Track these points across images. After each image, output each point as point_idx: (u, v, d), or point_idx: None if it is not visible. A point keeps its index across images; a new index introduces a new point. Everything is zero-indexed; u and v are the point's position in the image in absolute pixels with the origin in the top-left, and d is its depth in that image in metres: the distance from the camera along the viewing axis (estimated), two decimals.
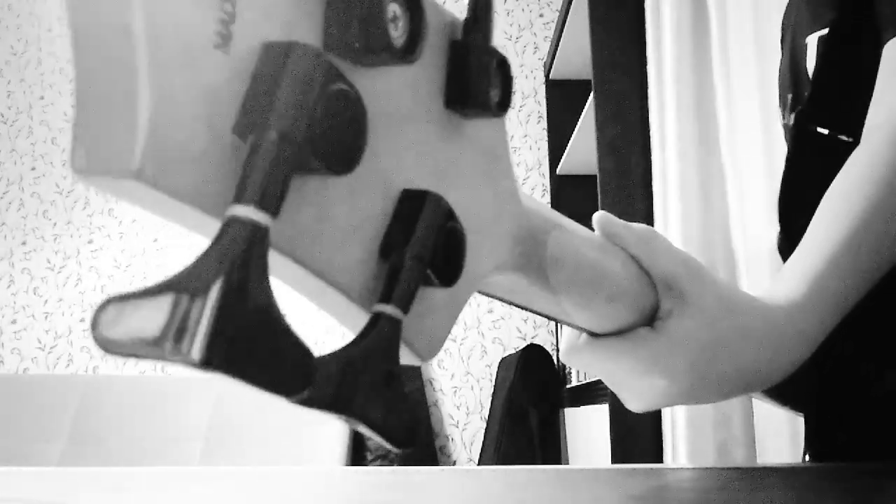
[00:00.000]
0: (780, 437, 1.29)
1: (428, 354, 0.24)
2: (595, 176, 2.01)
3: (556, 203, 2.91)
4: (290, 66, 0.17)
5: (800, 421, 0.70)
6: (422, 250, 0.21)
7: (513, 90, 0.26)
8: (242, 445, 2.54)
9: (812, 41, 0.70)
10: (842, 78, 0.66)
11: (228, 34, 0.18)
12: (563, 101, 2.89)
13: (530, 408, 2.63)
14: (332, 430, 2.55)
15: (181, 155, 0.17)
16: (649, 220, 1.82)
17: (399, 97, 0.22)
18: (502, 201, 0.27)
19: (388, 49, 0.20)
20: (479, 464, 2.69)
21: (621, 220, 0.39)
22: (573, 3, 2.42)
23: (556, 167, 2.86)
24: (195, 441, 2.56)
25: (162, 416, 2.59)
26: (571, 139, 2.56)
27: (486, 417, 2.76)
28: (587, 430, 2.29)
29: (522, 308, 0.35)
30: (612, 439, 1.83)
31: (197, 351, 0.15)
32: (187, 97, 0.17)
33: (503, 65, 0.25)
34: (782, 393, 0.67)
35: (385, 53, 0.20)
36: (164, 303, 0.15)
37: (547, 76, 3.01)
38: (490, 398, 2.78)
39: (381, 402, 0.20)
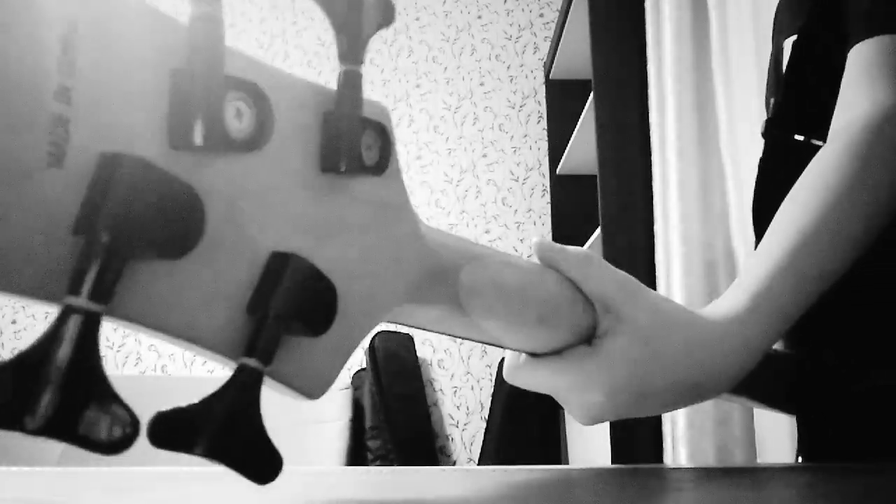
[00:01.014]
0: (780, 437, 1.29)
1: (314, 393, 0.27)
2: (595, 176, 2.01)
3: (556, 203, 2.91)
4: (118, 174, 0.20)
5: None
6: (284, 307, 0.24)
7: (391, 151, 0.29)
8: None
9: (789, 45, 0.69)
10: (810, 83, 0.65)
11: (61, 153, 0.20)
12: (563, 101, 2.89)
13: (530, 408, 2.63)
14: (332, 430, 2.55)
15: (19, 257, 0.20)
16: (649, 219, 1.82)
17: (264, 172, 0.25)
18: (400, 246, 0.30)
19: (230, 144, 0.23)
20: (479, 464, 2.69)
21: (558, 245, 0.40)
22: (573, 3, 2.42)
23: (556, 167, 2.87)
24: None
25: None
26: (571, 139, 2.56)
27: (486, 417, 2.76)
28: (587, 430, 2.29)
29: (449, 335, 0.37)
30: (612, 439, 1.83)
31: (40, 418, 0.19)
32: (22, 209, 0.20)
33: (381, 129, 0.28)
34: (769, 396, 0.67)
35: (229, 148, 0.23)
36: (11, 376, 0.19)
37: (547, 76, 3.01)
38: (490, 398, 2.78)
39: (236, 443, 0.23)
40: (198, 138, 0.23)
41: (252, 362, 0.24)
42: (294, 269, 0.25)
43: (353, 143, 0.27)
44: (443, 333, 0.37)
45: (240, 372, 0.24)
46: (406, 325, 0.35)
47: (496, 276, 0.35)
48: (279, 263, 0.25)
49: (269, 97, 0.25)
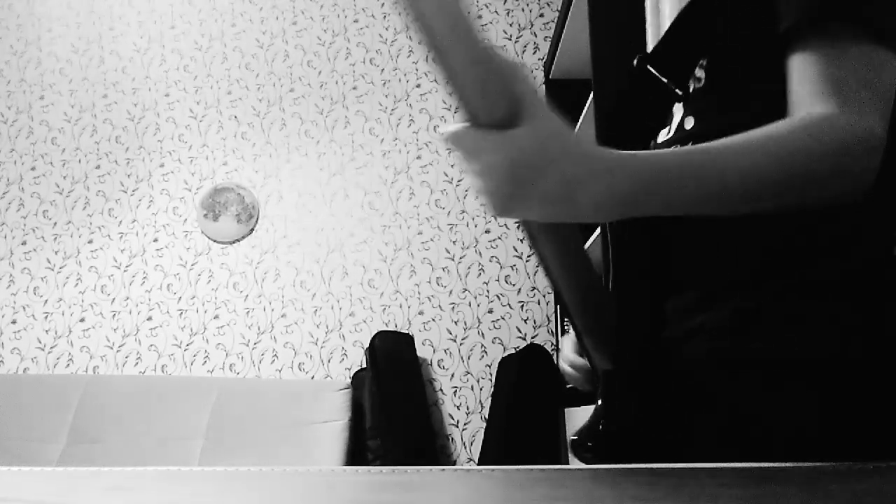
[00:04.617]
0: None
1: None
2: None
3: None
4: None
5: None
6: None
7: None
8: (242, 445, 2.54)
9: None
10: (690, 37, 0.76)
11: None
12: (563, 101, 2.89)
13: (530, 408, 2.63)
14: (332, 430, 2.55)
15: None
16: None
17: None
18: None
19: None
20: (479, 464, 2.69)
21: (518, 66, 0.54)
22: (573, 3, 2.42)
23: None
24: (195, 441, 2.56)
25: (162, 416, 2.60)
26: None
27: (486, 417, 2.76)
28: None
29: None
30: None
31: None
32: None
33: None
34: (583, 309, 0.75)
35: None
36: None
37: (547, 76, 3.01)
38: (490, 398, 2.78)
39: None
40: None
41: None
42: None
43: None
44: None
45: None
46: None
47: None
48: None
49: None
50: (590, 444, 0.69)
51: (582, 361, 0.87)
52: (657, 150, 0.55)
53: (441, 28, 0.50)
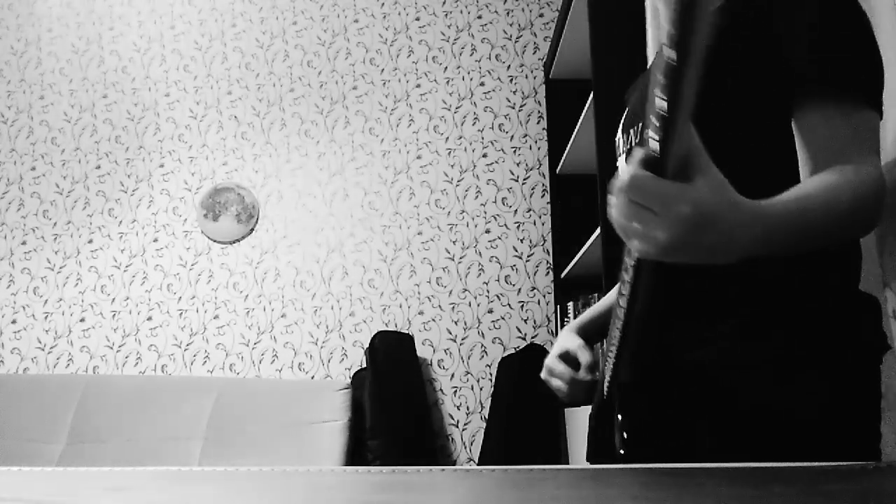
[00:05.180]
0: None
1: None
2: (595, 176, 2.01)
3: (556, 203, 2.91)
4: None
5: None
6: None
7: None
8: (242, 445, 2.54)
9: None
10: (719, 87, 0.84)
11: None
12: (563, 101, 2.89)
13: (530, 408, 2.63)
14: (331, 430, 2.55)
15: None
16: None
17: None
18: None
19: None
20: (479, 464, 2.69)
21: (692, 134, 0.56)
22: (573, 3, 2.42)
23: (557, 167, 2.87)
24: (195, 441, 2.56)
25: (162, 416, 2.60)
26: (571, 139, 2.56)
27: (486, 417, 2.76)
28: (587, 430, 2.29)
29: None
30: None
31: None
32: None
33: None
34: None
35: None
36: None
37: (547, 76, 3.01)
38: (490, 398, 2.78)
39: None
40: None
41: None
42: None
43: None
44: None
45: None
46: None
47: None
48: None
49: None
50: (621, 451, 0.79)
51: (569, 371, 1.00)
52: (770, 201, 0.63)
53: (688, 80, 0.48)
